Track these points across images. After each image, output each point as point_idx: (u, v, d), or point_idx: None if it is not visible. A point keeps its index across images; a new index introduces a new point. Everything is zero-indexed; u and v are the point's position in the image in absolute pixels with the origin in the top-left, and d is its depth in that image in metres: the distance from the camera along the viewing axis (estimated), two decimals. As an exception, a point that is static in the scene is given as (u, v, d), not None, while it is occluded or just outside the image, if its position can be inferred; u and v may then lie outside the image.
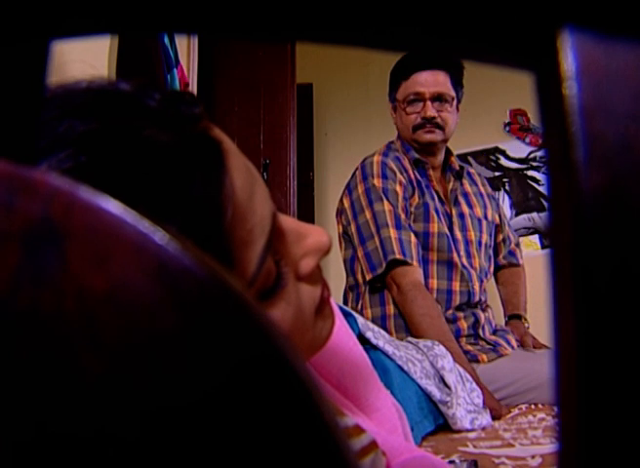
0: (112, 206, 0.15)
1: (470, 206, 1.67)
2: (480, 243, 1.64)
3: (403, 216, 1.51)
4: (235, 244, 0.36)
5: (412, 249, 1.47)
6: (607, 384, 0.15)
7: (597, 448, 0.15)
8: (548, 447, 0.92)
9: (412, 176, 1.58)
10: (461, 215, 1.63)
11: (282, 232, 0.42)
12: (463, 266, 1.56)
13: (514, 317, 1.70)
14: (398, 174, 1.56)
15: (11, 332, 0.14)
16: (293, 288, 0.41)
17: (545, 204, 3.02)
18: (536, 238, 3.00)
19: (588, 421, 0.15)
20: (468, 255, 1.60)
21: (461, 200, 1.66)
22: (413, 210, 1.55)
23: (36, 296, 0.14)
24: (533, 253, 2.82)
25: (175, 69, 1.78)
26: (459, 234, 1.60)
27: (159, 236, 0.15)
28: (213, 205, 0.35)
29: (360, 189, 1.58)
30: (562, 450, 0.16)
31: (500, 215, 1.79)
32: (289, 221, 0.43)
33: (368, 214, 1.53)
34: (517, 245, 1.83)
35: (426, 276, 1.53)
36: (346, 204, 1.62)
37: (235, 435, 0.15)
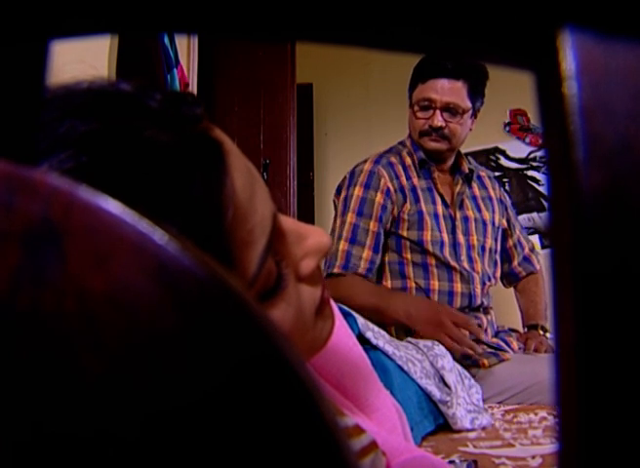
0: (112, 206, 0.15)
1: (478, 209, 1.65)
2: (483, 248, 1.62)
3: (372, 228, 1.51)
4: (236, 244, 0.36)
5: (360, 262, 1.48)
6: (607, 384, 0.15)
7: (597, 448, 0.15)
8: (549, 447, 0.92)
9: (404, 183, 1.57)
10: (466, 219, 1.61)
11: (282, 233, 0.42)
12: (464, 269, 1.55)
13: (532, 327, 1.67)
14: (388, 181, 1.55)
15: (11, 332, 0.14)
16: (293, 288, 0.41)
17: (545, 204, 3.02)
18: (536, 238, 2.99)
19: (588, 421, 0.15)
20: (470, 260, 1.58)
21: (468, 203, 1.64)
22: (406, 217, 1.55)
23: (36, 296, 0.14)
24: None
25: (175, 69, 1.78)
26: (461, 238, 1.58)
27: (159, 236, 0.15)
28: (213, 205, 0.35)
29: (342, 195, 1.60)
30: (562, 451, 0.16)
31: (508, 220, 1.76)
32: (289, 222, 0.43)
33: (337, 222, 1.57)
34: (532, 250, 1.80)
35: (427, 277, 1.53)
36: (335, 202, 1.66)
37: (235, 435, 0.15)
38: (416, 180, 1.59)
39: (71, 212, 0.15)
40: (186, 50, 2.14)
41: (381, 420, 0.62)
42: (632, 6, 0.15)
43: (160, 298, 0.15)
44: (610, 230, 0.15)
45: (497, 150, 3.12)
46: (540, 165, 3.06)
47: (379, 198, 1.54)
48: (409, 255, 1.54)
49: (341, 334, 0.66)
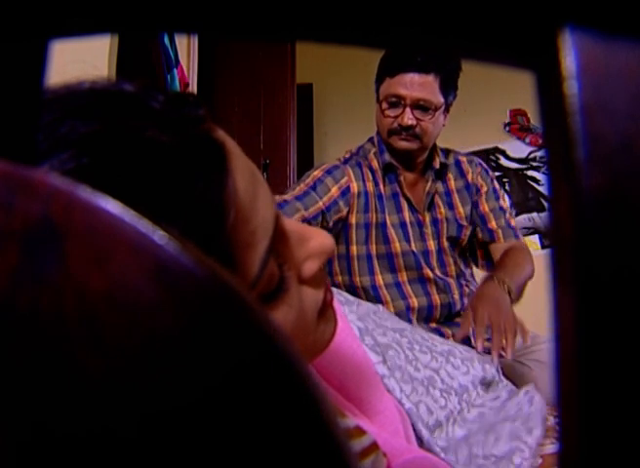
0: (111, 206, 0.15)
1: (451, 207, 1.53)
2: (454, 247, 1.53)
3: (308, 211, 1.37)
4: (237, 246, 0.36)
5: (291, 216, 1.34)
6: (608, 384, 0.15)
7: (597, 448, 0.15)
8: (549, 447, 0.91)
9: (370, 189, 1.46)
10: (435, 222, 1.51)
11: (285, 235, 0.42)
12: (439, 278, 1.46)
13: (490, 278, 1.34)
14: (353, 180, 1.44)
15: (11, 332, 0.14)
16: (295, 291, 0.41)
17: (545, 204, 3.03)
18: (536, 238, 3.00)
19: (589, 422, 0.15)
20: (442, 265, 1.49)
21: (440, 201, 1.52)
22: (373, 229, 1.45)
23: (36, 296, 0.14)
24: (533, 253, 2.81)
25: (175, 69, 1.78)
26: (431, 244, 1.49)
27: (158, 236, 0.15)
28: (215, 207, 0.35)
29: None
30: (562, 451, 0.16)
31: (485, 198, 1.58)
32: (291, 224, 0.43)
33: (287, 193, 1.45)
34: (513, 226, 1.59)
35: (404, 297, 1.44)
36: None
37: (235, 436, 0.15)
38: (382, 187, 1.48)
39: (71, 212, 0.15)
40: (186, 50, 2.14)
41: (384, 423, 0.62)
42: (632, 6, 0.15)
43: (159, 298, 0.15)
44: (610, 230, 0.15)
45: (497, 150, 3.12)
46: (540, 165, 3.07)
47: (334, 190, 1.41)
48: (380, 278, 1.45)
49: (345, 336, 0.66)
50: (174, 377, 0.14)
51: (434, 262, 1.49)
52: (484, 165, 1.65)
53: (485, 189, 1.59)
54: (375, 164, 1.50)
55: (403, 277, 1.47)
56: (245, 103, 2.55)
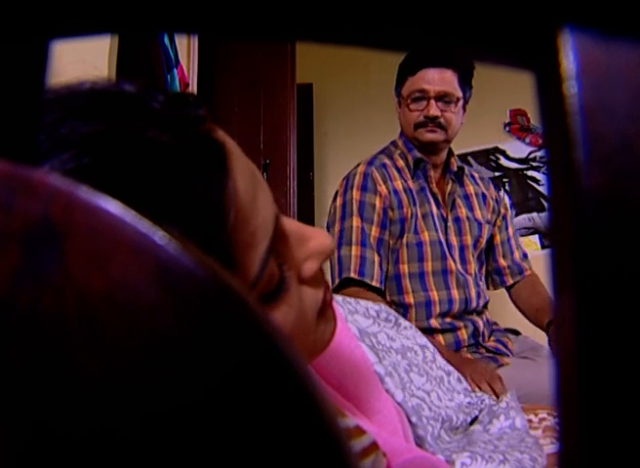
0: (112, 206, 0.15)
1: (471, 208, 1.62)
2: (476, 246, 1.60)
3: (374, 233, 1.48)
4: (238, 246, 0.36)
5: (374, 268, 1.45)
6: (608, 384, 0.15)
7: (598, 448, 0.15)
8: (549, 447, 0.91)
9: (399, 187, 1.54)
10: (457, 220, 1.59)
11: (285, 235, 0.42)
12: (459, 273, 1.52)
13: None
14: (382, 184, 1.53)
15: (11, 332, 0.14)
16: (295, 291, 0.41)
17: (545, 204, 3.02)
18: (536, 238, 3.00)
19: (589, 422, 0.15)
20: (463, 261, 1.56)
21: (460, 203, 1.62)
22: (409, 221, 1.51)
23: (36, 296, 0.14)
24: (533, 253, 2.81)
25: (175, 69, 1.78)
26: (454, 239, 1.56)
27: (159, 236, 0.15)
28: (215, 207, 0.35)
29: (339, 201, 1.57)
30: (562, 451, 0.16)
31: (504, 217, 1.71)
32: (291, 224, 0.43)
33: (336, 228, 1.52)
34: (524, 256, 1.71)
35: (425, 289, 1.50)
36: (331, 210, 1.62)
37: (235, 435, 0.15)
38: (410, 182, 1.56)
39: (71, 212, 0.15)
40: (186, 50, 2.14)
41: (383, 423, 0.62)
42: (632, 6, 0.15)
43: (160, 299, 0.15)
44: (610, 230, 0.15)
45: (497, 150, 3.12)
46: (540, 165, 3.06)
47: (378, 202, 1.51)
48: (405, 267, 1.51)
49: (343, 337, 0.66)
50: (174, 377, 0.14)
51: (456, 256, 1.55)
52: (493, 183, 1.78)
53: (504, 212, 1.71)
54: (400, 163, 1.59)
55: (428, 267, 1.52)
56: (245, 103, 2.55)
